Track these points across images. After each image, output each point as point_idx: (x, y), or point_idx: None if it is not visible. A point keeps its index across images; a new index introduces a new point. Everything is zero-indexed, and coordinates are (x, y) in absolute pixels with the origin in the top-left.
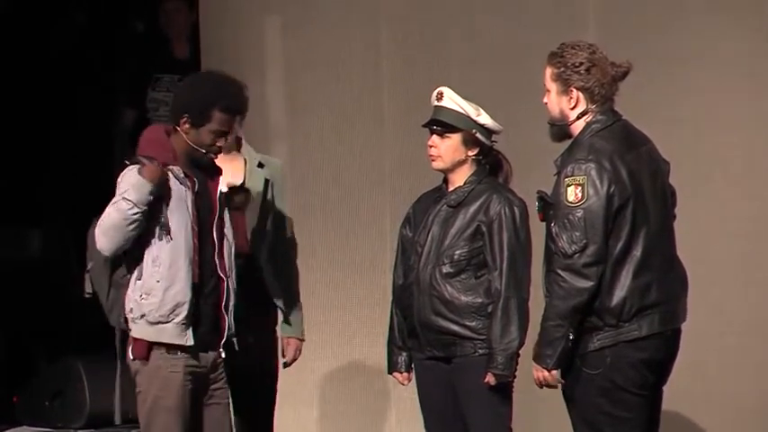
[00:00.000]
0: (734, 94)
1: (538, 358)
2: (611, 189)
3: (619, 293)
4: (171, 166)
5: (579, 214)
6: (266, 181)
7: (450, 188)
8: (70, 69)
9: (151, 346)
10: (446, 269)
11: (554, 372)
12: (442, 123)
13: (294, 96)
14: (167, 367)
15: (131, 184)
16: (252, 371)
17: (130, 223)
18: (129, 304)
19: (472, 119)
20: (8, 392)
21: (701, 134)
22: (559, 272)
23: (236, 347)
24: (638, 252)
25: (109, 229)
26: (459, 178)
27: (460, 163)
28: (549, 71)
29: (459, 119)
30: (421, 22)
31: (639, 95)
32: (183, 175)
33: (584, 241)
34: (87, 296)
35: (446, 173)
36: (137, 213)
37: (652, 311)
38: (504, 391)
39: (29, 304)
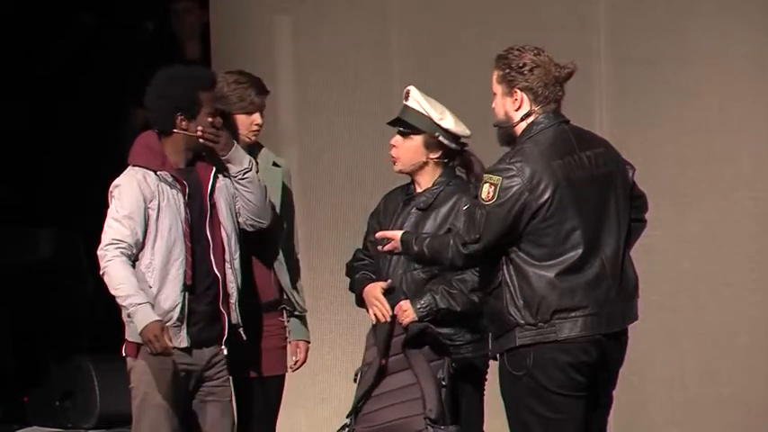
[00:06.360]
0: (744, 94)
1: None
2: (523, 195)
3: (537, 292)
4: (160, 172)
5: (483, 212)
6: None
7: (418, 190)
8: (80, 70)
9: (140, 344)
10: (419, 274)
11: None
12: (404, 123)
13: (304, 97)
14: (157, 365)
15: (139, 321)
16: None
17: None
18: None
19: (434, 122)
20: (19, 393)
21: (712, 134)
22: (455, 241)
23: (244, 337)
24: (567, 254)
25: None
26: (425, 180)
27: (421, 166)
28: (495, 74)
29: (422, 121)
30: (432, 22)
31: (650, 96)
32: (171, 179)
33: (477, 236)
34: None
35: (410, 175)
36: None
37: (575, 315)
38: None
39: (38, 304)
